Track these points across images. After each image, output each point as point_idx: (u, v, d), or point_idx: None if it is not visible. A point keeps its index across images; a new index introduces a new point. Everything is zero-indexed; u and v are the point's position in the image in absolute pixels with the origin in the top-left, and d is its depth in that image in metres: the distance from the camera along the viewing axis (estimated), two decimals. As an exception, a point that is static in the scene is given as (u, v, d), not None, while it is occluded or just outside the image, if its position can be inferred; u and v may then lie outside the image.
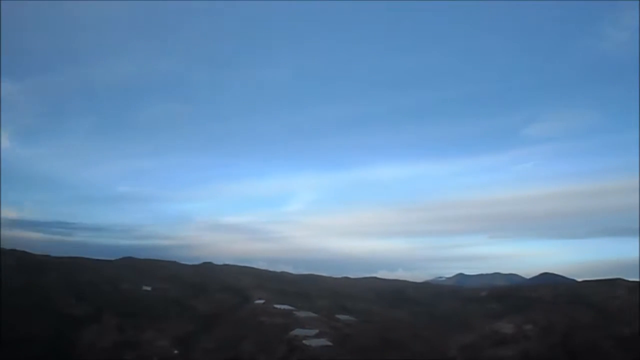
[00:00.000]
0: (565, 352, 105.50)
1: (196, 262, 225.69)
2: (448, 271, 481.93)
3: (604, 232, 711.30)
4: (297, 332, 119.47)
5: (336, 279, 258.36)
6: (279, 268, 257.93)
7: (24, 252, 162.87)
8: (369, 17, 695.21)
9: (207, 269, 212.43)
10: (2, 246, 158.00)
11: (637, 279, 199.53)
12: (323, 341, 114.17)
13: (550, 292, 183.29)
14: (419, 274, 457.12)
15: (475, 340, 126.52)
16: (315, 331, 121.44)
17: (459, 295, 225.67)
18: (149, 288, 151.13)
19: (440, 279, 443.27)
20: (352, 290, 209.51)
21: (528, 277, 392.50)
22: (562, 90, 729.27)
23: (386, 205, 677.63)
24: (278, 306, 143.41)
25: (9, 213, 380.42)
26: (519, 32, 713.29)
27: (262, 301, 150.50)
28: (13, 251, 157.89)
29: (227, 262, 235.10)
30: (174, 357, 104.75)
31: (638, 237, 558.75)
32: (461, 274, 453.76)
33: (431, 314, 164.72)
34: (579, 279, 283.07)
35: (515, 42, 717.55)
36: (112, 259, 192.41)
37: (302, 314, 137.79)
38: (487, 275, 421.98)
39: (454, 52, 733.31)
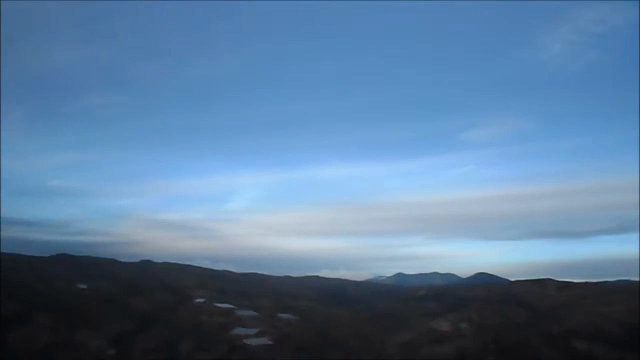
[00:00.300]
0: (497, 349, 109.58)
1: (134, 260, 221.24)
2: (388, 270, 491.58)
3: (536, 234, 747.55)
4: (238, 331, 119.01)
5: (278, 277, 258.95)
6: (220, 266, 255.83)
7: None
8: (311, 16, 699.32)
9: (146, 267, 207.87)
10: None
11: (566, 279, 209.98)
12: (264, 340, 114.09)
13: (484, 291, 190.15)
14: (360, 273, 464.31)
15: (413, 338, 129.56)
16: (255, 330, 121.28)
17: (398, 294, 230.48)
18: (84, 286, 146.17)
19: (381, 278, 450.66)
20: (293, 289, 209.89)
21: (464, 276, 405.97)
22: (499, 97, 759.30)
23: (329, 205, 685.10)
24: (219, 305, 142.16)
25: None
26: (460, 40, 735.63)
27: (202, 300, 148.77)
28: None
29: (166, 260, 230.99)
30: (109, 357, 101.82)
31: (575, 240, 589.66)
32: (401, 274, 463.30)
33: (371, 313, 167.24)
34: (512, 279, 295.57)
35: (456, 49, 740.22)
36: (45, 255, 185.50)
37: (243, 313, 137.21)
38: (425, 274, 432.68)
39: (398, 56, 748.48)
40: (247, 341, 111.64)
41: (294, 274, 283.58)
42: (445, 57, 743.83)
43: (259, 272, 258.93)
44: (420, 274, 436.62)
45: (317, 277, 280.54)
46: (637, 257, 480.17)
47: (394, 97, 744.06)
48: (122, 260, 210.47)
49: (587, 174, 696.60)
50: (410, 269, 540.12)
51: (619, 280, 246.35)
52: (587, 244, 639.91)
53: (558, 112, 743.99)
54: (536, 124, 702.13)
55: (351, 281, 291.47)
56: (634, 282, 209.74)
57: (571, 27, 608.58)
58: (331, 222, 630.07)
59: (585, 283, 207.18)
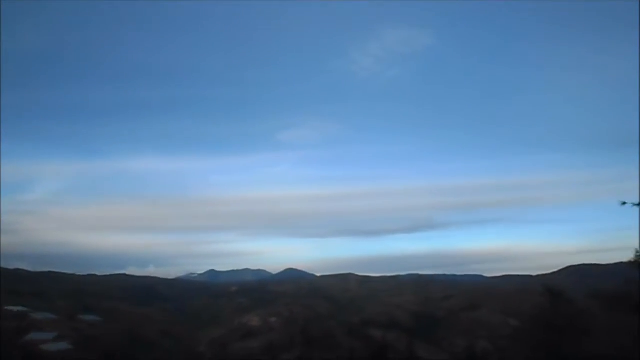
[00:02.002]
0: (304, 341, 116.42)
1: None
2: (200, 267, 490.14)
3: (340, 232, 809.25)
4: (33, 336, 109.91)
5: (80, 276, 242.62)
6: (12, 265, 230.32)
7: None
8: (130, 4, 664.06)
9: None
10: None
11: (366, 274, 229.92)
12: (64, 345, 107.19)
13: (293, 286, 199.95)
14: (171, 270, 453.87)
15: (225, 334, 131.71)
16: (54, 334, 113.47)
17: (210, 291, 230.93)
18: None
19: (193, 275, 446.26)
20: (97, 288, 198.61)
21: (274, 272, 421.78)
22: (315, 102, 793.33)
23: (139, 199, 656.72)
24: (10, 308, 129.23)
25: None
26: (281, 44, 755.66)
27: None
28: None
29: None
30: None
31: (374, 237, 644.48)
32: (213, 270, 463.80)
33: (182, 311, 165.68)
34: (318, 274, 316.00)
35: (278, 53, 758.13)
36: None
37: (39, 315, 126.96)
38: (237, 271, 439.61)
39: (222, 52, 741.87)
40: (45, 347, 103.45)
41: (99, 272, 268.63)
42: (267, 59, 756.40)
43: (58, 270, 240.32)
44: (233, 271, 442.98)
45: (125, 275, 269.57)
46: (426, 253, 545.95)
47: (215, 92, 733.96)
48: None
49: (386, 178, 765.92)
50: (223, 266, 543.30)
51: (409, 274, 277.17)
52: (384, 241, 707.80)
53: (365, 120, 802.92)
54: (346, 130, 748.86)
55: (161, 279, 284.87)
56: (423, 275, 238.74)
57: (380, 44, 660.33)
58: (141, 217, 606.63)
59: (382, 277, 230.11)
